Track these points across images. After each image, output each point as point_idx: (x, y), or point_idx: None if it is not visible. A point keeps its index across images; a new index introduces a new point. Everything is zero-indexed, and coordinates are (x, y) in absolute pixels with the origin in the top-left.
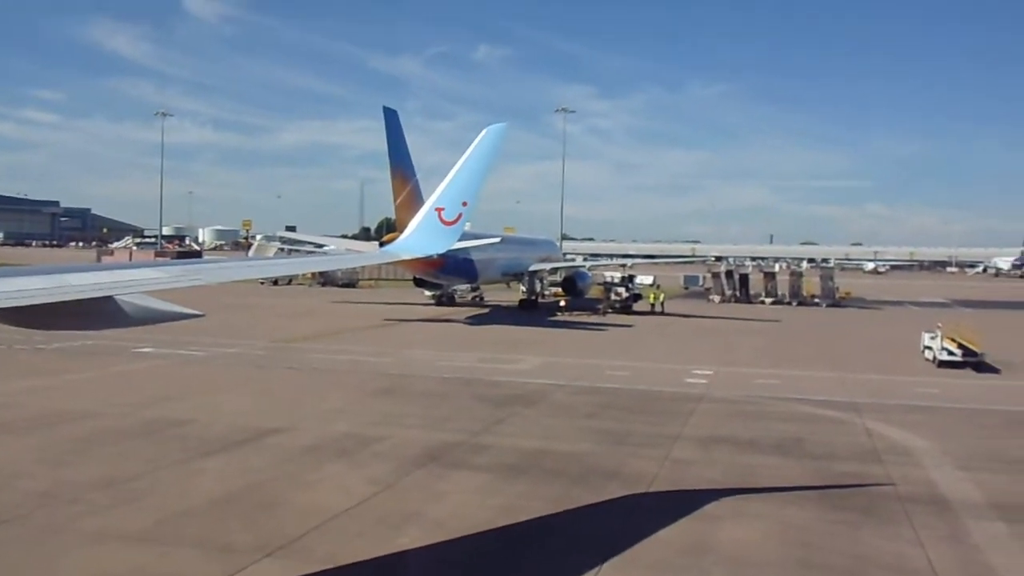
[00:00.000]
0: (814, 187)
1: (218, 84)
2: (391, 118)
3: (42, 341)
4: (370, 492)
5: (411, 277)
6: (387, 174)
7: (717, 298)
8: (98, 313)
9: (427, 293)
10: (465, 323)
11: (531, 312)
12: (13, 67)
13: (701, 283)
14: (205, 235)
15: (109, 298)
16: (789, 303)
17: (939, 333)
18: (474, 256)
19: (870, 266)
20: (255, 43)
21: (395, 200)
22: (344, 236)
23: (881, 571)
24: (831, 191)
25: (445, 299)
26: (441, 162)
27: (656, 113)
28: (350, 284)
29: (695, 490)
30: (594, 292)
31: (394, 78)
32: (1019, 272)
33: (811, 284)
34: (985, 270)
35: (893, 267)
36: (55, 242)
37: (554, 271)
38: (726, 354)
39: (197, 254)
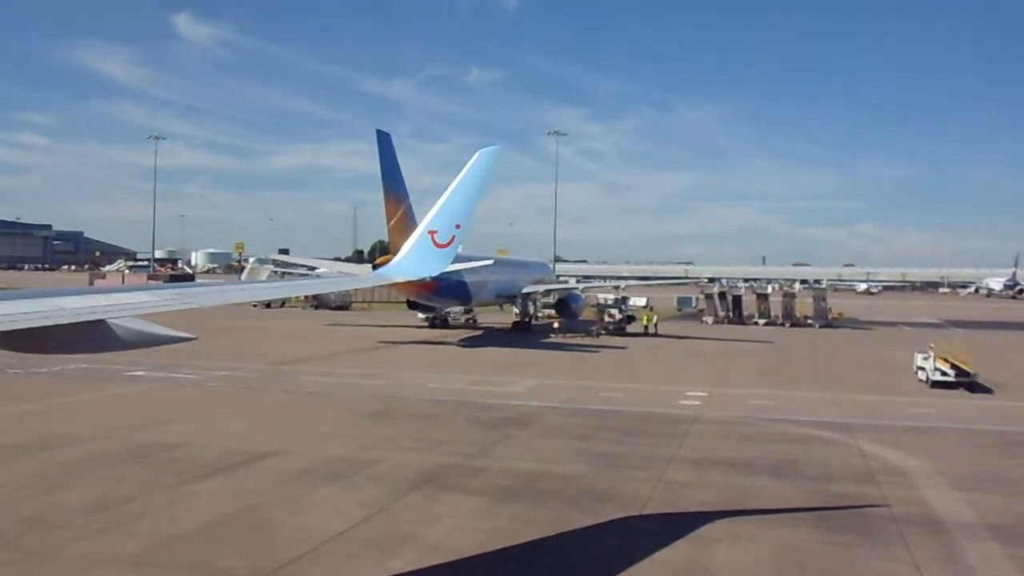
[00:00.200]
0: (806, 208)
1: (211, 107)
2: (384, 141)
3: (35, 365)
4: (364, 515)
5: (404, 300)
6: (380, 197)
7: (710, 319)
8: (91, 337)
9: (420, 315)
10: (459, 345)
11: (525, 334)
12: (4, 91)
13: (694, 304)
14: (198, 258)
15: (102, 322)
16: (782, 324)
17: (932, 353)
18: (467, 278)
19: (862, 287)
20: (248, 66)
21: (388, 223)
22: (337, 259)
23: None
24: (823, 212)
25: (439, 321)
26: (434, 185)
27: (649, 135)
28: (343, 307)
29: (690, 512)
30: (588, 314)
31: (387, 101)
32: (1011, 293)
33: (804, 305)
34: (977, 291)
35: (885, 288)
36: (48, 265)
37: (547, 293)
38: (720, 375)
39: (190, 277)
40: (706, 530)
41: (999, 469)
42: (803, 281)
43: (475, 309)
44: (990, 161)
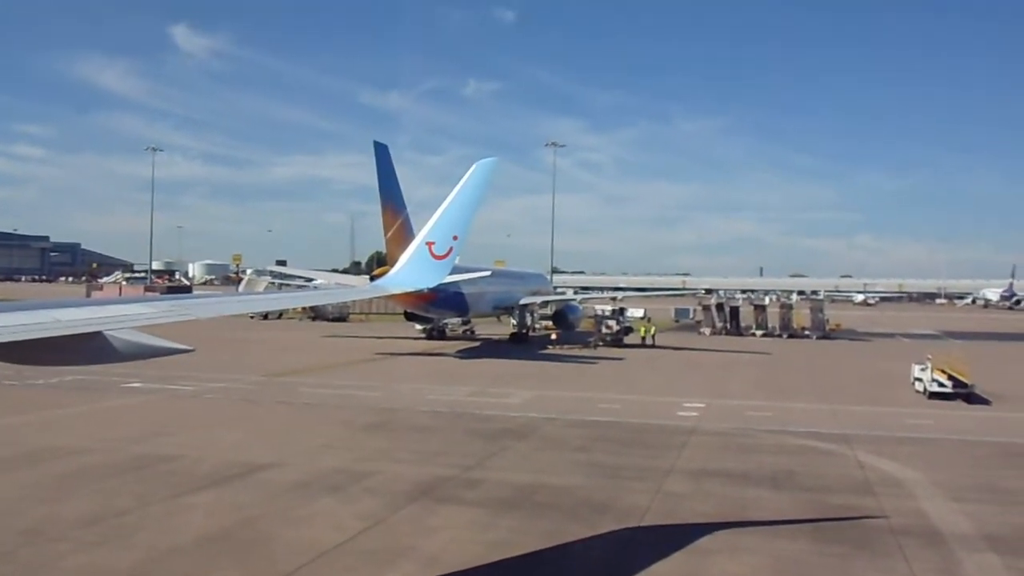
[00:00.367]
0: (803, 219)
1: (208, 119)
2: (382, 152)
3: (32, 376)
4: (361, 527)
5: (402, 311)
6: (378, 208)
7: (708, 330)
8: (88, 349)
9: (418, 327)
10: (456, 357)
11: (522, 345)
12: (2, 103)
13: (692, 316)
14: (195, 270)
15: (99, 334)
16: (779, 335)
17: (929, 365)
18: (465, 290)
19: (860, 298)
20: (245, 78)
21: (386, 234)
22: (335, 270)
23: None
24: (820, 223)
25: (436, 333)
26: (432, 196)
27: (646, 146)
28: (341, 318)
29: (688, 524)
30: (585, 325)
31: (385, 113)
32: (1007, 304)
33: (801, 316)
34: (974, 301)
35: (883, 299)
36: (45, 277)
37: (545, 304)
38: (717, 387)
39: (187, 289)
40: (704, 541)
41: (997, 480)
42: (800, 292)
43: (472, 320)
44: (987, 172)
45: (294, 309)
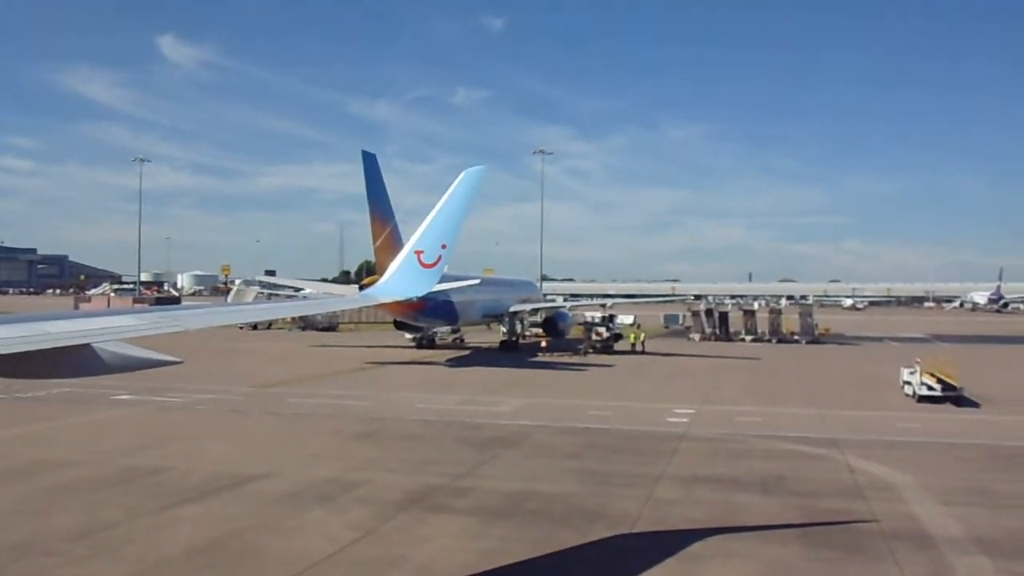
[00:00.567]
0: (792, 224)
1: (195, 129)
2: (370, 162)
3: (20, 389)
4: (352, 537)
5: (391, 320)
6: (366, 217)
7: (697, 336)
8: (76, 361)
9: (407, 336)
10: (446, 365)
11: (512, 353)
12: None
13: (681, 322)
14: (184, 281)
15: (87, 346)
16: (769, 340)
17: (918, 368)
18: (454, 298)
19: (848, 302)
20: (232, 88)
21: (374, 243)
22: (324, 280)
23: None
24: (809, 228)
25: (426, 342)
26: (420, 205)
27: (635, 153)
28: (330, 328)
29: (679, 530)
30: (575, 332)
31: (373, 122)
32: (995, 306)
33: (790, 321)
34: (962, 305)
35: (871, 303)
36: (32, 289)
37: (534, 312)
38: (707, 392)
39: (176, 300)
40: (696, 548)
41: (986, 483)
42: (789, 297)
43: (462, 329)
44: (974, 176)
45: (283, 319)
